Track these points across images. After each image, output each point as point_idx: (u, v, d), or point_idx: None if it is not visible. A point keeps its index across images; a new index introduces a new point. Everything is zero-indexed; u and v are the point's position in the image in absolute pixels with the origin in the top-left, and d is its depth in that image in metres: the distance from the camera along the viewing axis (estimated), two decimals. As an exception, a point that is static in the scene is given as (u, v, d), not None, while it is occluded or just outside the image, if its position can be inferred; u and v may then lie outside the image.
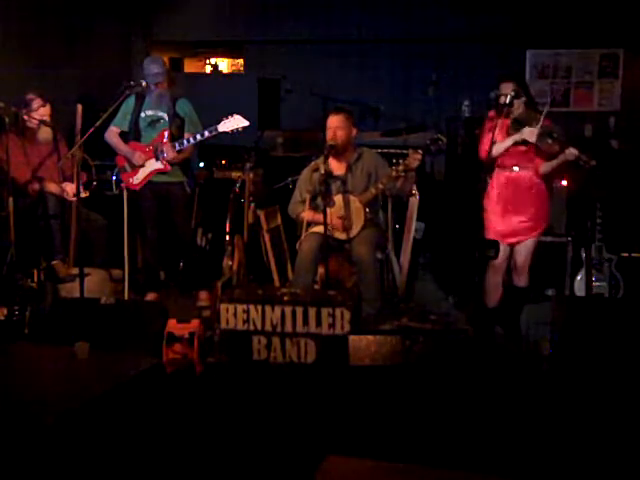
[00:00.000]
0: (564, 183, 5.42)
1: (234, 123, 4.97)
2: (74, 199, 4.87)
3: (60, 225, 5.04)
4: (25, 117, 5.01)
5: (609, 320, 3.92)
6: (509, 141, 4.49)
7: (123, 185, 5.23)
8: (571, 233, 5.36)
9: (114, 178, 5.41)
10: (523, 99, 4.46)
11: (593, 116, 7.07)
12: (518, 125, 4.45)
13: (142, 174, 5.19)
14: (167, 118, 5.19)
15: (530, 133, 4.41)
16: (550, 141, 4.39)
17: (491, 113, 4.60)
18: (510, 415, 3.42)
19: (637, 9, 6.61)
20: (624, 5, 6.69)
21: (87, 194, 5.10)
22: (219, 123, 4.97)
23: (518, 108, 4.46)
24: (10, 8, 6.13)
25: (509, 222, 4.58)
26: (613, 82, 7.07)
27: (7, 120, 4.79)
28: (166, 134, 5.14)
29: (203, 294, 5.42)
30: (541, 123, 4.37)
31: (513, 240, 4.59)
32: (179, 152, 5.10)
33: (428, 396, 3.63)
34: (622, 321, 3.91)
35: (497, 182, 4.60)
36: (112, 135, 5.26)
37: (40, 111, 5.05)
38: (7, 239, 4.72)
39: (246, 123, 5.00)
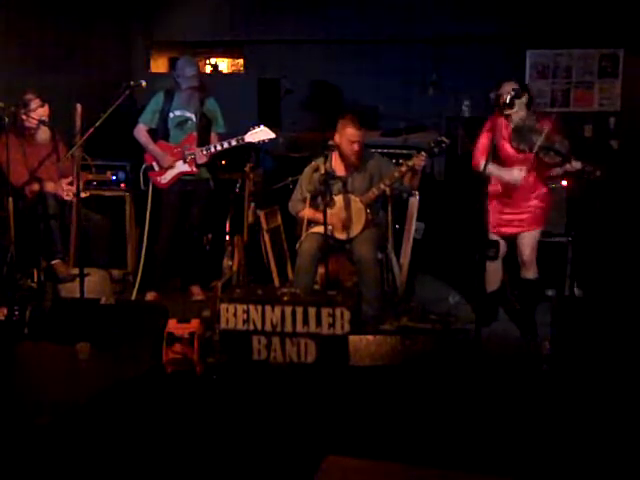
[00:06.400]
0: (564, 183, 5.43)
1: (262, 135, 5.07)
2: (72, 198, 4.87)
3: (60, 225, 5.04)
4: (23, 117, 5.00)
5: (609, 320, 3.92)
6: (499, 173, 4.59)
7: (150, 183, 5.31)
8: (571, 233, 5.36)
9: (142, 175, 5.42)
10: (524, 99, 4.47)
11: (593, 116, 7.06)
12: (519, 135, 4.48)
13: (170, 175, 5.29)
14: (195, 119, 5.27)
15: (518, 174, 4.49)
16: (552, 154, 4.42)
17: (492, 119, 4.61)
18: (510, 415, 3.42)
19: (637, 9, 6.60)
20: (624, 5, 6.68)
21: (87, 194, 5.11)
22: (246, 133, 5.05)
23: (518, 112, 4.47)
24: (10, 8, 6.12)
25: (508, 215, 4.66)
26: (613, 82, 7.06)
27: (7, 120, 4.79)
28: (194, 138, 5.23)
29: (196, 289, 5.47)
30: (543, 137, 4.38)
31: (512, 231, 4.66)
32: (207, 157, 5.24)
33: (428, 396, 3.63)
34: (622, 321, 3.91)
35: (500, 181, 4.64)
36: (141, 133, 5.34)
37: (38, 111, 5.04)
38: (7, 239, 4.73)
39: (273, 135, 5.13)
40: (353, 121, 4.76)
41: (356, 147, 4.74)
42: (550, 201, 4.75)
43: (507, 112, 4.43)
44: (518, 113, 4.48)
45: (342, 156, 4.81)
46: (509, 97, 4.29)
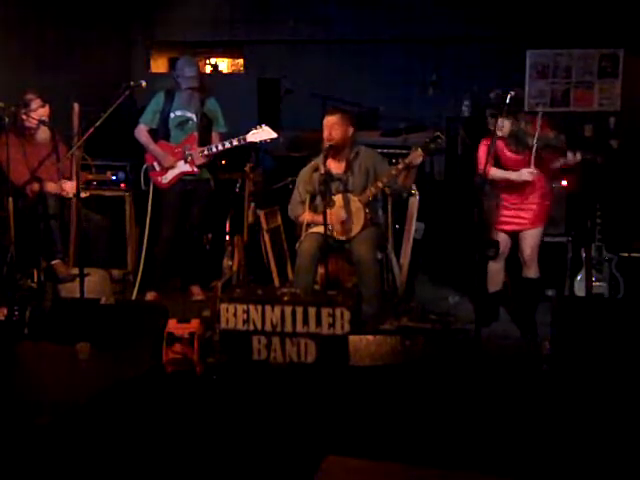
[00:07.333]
0: (564, 183, 5.44)
1: (263, 135, 5.07)
2: (72, 197, 4.86)
3: (60, 225, 5.04)
4: (24, 117, 5.00)
5: (609, 320, 3.92)
6: (506, 175, 4.63)
7: (151, 183, 5.34)
8: (571, 233, 5.36)
9: (143, 175, 5.44)
10: (510, 123, 4.53)
11: (593, 116, 7.06)
12: (514, 140, 4.54)
13: (171, 175, 5.31)
14: (195, 119, 5.27)
15: (528, 175, 4.53)
16: (550, 149, 4.48)
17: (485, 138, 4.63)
18: (510, 415, 3.42)
19: (637, 9, 6.60)
20: (624, 5, 6.68)
21: (87, 194, 5.11)
22: (247, 132, 5.04)
23: (508, 129, 4.53)
24: (10, 8, 6.12)
25: (511, 211, 4.70)
26: (613, 82, 7.06)
27: (7, 120, 4.78)
28: (195, 138, 5.24)
29: (196, 289, 5.47)
30: (537, 136, 4.43)
31: (514, 228, 4.70)
32: (206, 157, 5.25)
33: (428, 396, 3.63)
34: (622, 321, 3.91)
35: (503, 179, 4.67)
36: (142, 133, 5.36)
37: (39, 111, 5.04)
38: (7, 239, 4.72)
39: (274, 135, 5.12)
40: (328, 110, 4.89)
41: (333, 132, 4.72)
42: (552, 199, 4.78)
43: (499, 134, 4.50)
44: (509, 129, 4.54)
45: (334, 152, 4.80)
46: (509, 97, 4.31)
